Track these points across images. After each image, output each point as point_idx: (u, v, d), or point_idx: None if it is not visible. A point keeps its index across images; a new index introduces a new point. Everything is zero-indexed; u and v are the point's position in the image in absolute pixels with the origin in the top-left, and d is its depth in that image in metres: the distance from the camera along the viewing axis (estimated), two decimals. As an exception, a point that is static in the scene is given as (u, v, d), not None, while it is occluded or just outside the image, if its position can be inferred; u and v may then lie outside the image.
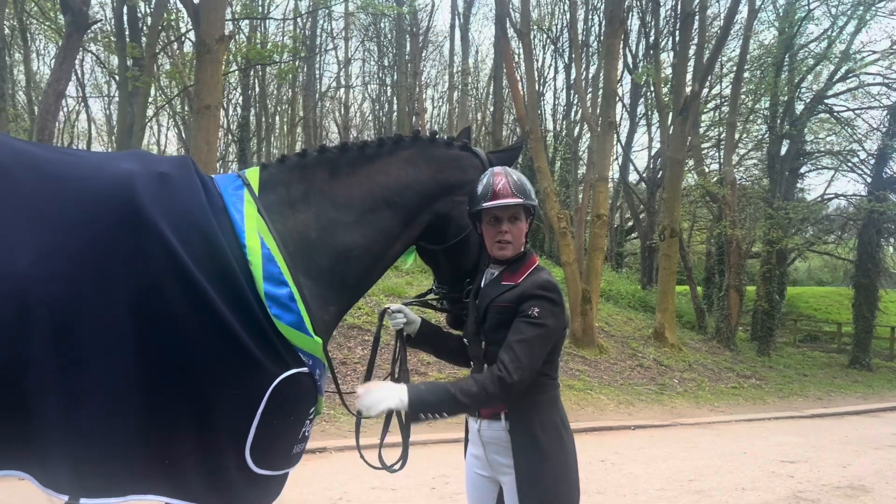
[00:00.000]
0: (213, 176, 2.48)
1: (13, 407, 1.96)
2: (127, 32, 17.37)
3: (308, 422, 2.41)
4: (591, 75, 29.55)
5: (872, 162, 22.22)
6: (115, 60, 21.38)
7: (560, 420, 2.51)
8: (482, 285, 2.64)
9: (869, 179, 22.24)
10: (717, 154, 27.52)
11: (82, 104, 32.30)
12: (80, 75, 30.07)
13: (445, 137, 2.92)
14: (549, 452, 2.44)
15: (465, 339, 2.74)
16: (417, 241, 2.82)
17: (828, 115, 23.32)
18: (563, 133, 32.43)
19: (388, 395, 2.23)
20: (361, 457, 2.59)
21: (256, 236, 2.28)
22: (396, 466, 2.66)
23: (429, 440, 7.99)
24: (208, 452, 2.15)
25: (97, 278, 2.04)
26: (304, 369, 2.27)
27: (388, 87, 36.60)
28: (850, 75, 22.03)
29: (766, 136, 23.34)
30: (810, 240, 23.67)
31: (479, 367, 2.60)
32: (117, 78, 19.82)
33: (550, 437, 2.45)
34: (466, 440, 2.73)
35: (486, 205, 2.47)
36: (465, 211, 2.65)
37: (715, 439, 9.42)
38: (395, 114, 34.62)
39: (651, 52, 24.82)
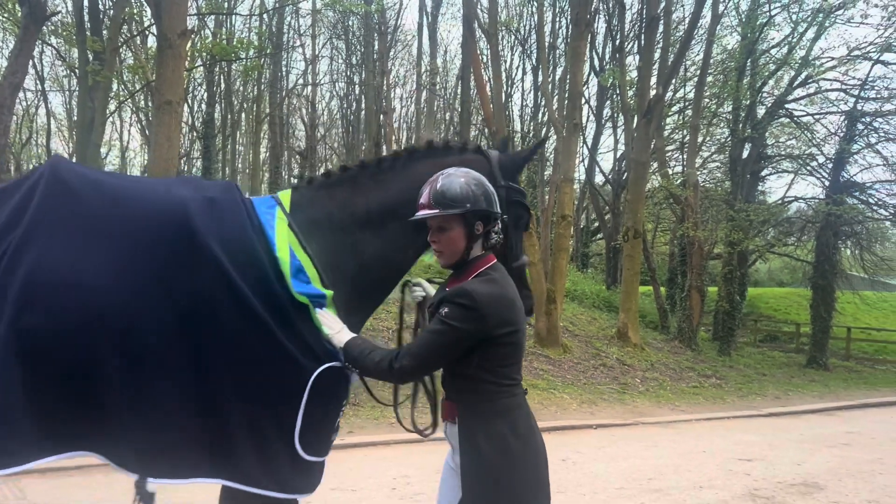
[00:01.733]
0: (251, 198, 2.78)
1: (87, 396, 2.32)
2: (87, 25, 17.01)
3: (341, 412, 2.67)
4: (558, 77, 29.78)
5: (830, 166, 22.71)
6: (75, 54, 20.94)
7: (510, 431, 2.44)
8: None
9: (827, 183, 22.72)
10: (680, 157, 27.93)
11: (41, 98, 31.58)
12: (39, 69, 29.41)
13: (460, 143, 3.05)
14: (490, 462, 2.40)
15: None
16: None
17: (788, 120, 23.79)
18: (531, 134, 32.59)
19: (339, 331, 2.58)
20: (399, 420, 2.92)
21: (287, 248, 2.59)
22: (428, 431, 2.86)
23: (390, 440, 7.97)
24: (261, 442, 2.42)
25: (157, 289, 2.38)
26: (336, 363, 2.54)
27: (356, 86, 36.44)
28: (810, 81, 22.51)
29: (729, 139, 23.74)
30: (771, 241, 24.09)
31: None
32: (77, 72, 19.42)
33: (494, 446, 2.41)
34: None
35: (416, 215, 2.55)
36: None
37: (675, 438, 9.54)
38: (363, 112, 34.45)
39: (617, 54, 25.07)
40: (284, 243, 2.60)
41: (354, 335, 2.60)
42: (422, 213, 2.51)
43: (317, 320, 2.57)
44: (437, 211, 2.46)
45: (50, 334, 2.28)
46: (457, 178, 2.51)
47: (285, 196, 2.80)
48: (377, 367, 2.44)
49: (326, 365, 2.50)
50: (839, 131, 22.57)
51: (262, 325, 2.44)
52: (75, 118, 25.07)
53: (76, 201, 2.46)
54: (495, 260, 2.59)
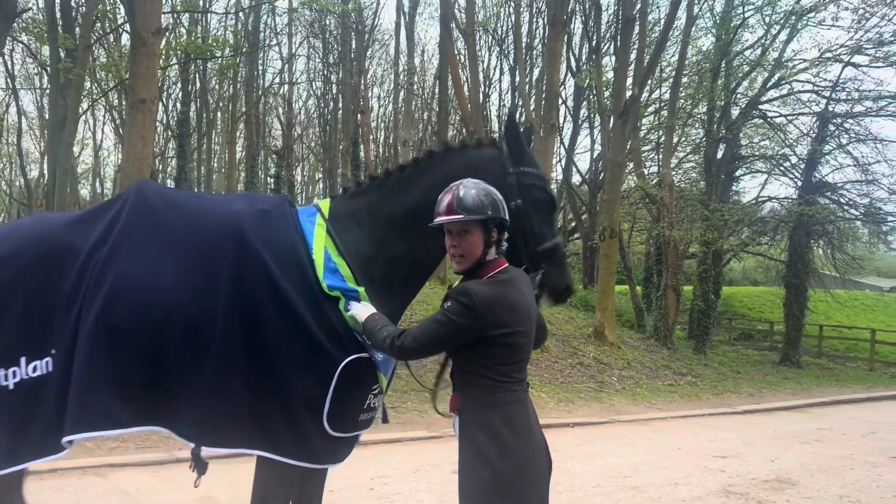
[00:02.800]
0: (297, 208, 3.16)
1: (159, 382, 2.78)
2: (59, 22, 16.75)
3: (372, 395, 2.94)
4: (535, 77, 29.90)
5: (803, 167, 23.06)
6: (46, 51, 20.60)
7: (503, 423, 2.58)
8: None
9: (799, 183, 23.08)
10: (656, 157, 28.13)
11: (12, 96, 31.02)
12: (9, 66, 28.90)
13: (476, 140, 3.22)
14: (482, 449, 2.56)
15: None
16: None
17: (761, 121, 24.11)
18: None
19: (360, 312, 2.82)
20: (435, 406, 3.06)
21: (322, 250, 2.92)
22: (454, 416, 2.85)
23: (367, 440, 7.93)
24: (294, 420, 2.76)
25: (214, 290, 2.79)
26: (364, 354, 2.82)
27: (333, 85, 36.28)
28: (783, 82, 22.83)
29: (703, 139, 23.97)
30: (745, 241, 24.37)
31: (445, 362, 2.89)
32: (49, 70, 19.11)
33: (486, 437, 2.57)
34: None
35: (436, 220, 2.70)
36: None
37: (651, 436, 9.62)
38: (341, 111, 34.32)
39: (593, 55, 25.23)
40: (321, 246, 2.94)
41: (374, 312, 2.81)
42: (446, 218, 2.65)
43: (351, 320, 2.85)
44: (463, 216, 2.62)
45: (129, 328, 2.76)
46: (474, 187, 2.69)
47: (325, 204, 3.15)
48: (383, 342, 2.66)
49: (354, 356, 2.80)
50: (811, 132, 22.94)
51: (300, 318, 2.78)
52: (47, 117, 24.67)
53: (155, 219, 2.98)
54: (507, 264, 2.75)
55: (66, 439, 2.74)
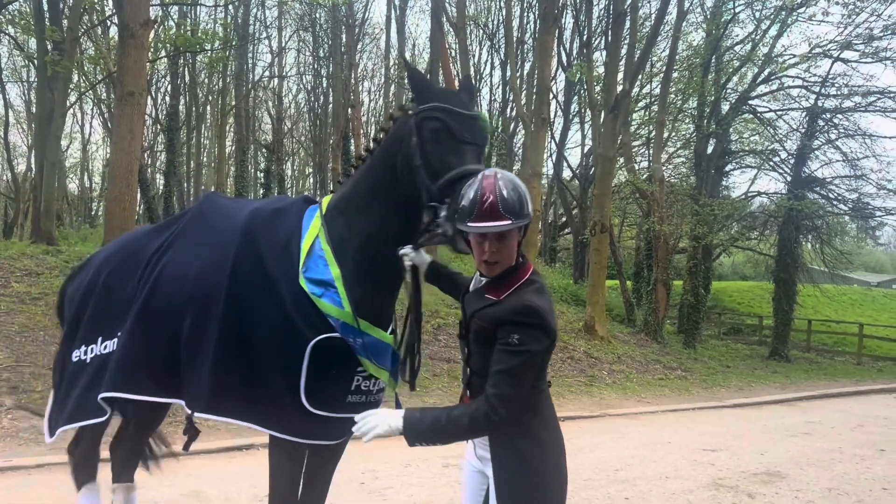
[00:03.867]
0: (312, 206, 3.34)
1: (176, 361, 3.13)
2: (46, 14, 16.58)
3: (361, 378, 3.02)
4: (526, 72, 29.86)
5: (792, 162, 23.15)
6: (33, 43, 20.39)
7: (540, 422, 2.46)
8: (470, 287, 2.62)
9: (789, 178, 23.15)
10: (646, 152, 28.20)
11: (-2, 88, 30.70)
12: (-5, 58, 28.66)
13: (398, 111, 3.13)
14: (524, 454, 2.40)
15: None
16: (417, 210, 2.89)
17: (751, 116, 24.12)
18: (499, 129, 32.67)
19: (380, 422, 2.37)
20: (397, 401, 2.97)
21: (312, 240, 3.09)
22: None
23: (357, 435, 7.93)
24: (274, 395, 2.91)
25: (219, 279, 3.06)
26: (335, 334, 2.91)
27: (324, 79, 36.14)
28: (773, 77, 22.86)
29: (694, 134, 24.00)
30: (734, 236, 24.44)
31: (465, 366, 2.60)
32: (36, 62, 18.93)
33: (525, 438, 2.41)
34: None
35: (471, 225, 2.35)
36: (401, 157, 2.85)
37: (641, 429, 9.65)
38: (331, 105, 34.18)
39: (584, 50, 25.19)
40: (312, 236, 3.11)
41: (405, 410, 2.38)
42: (489, 224, 2.32)
43: (323, 304, 2.95)
44: (511, 222, 2.31)
45: (162, 312, 3.20)
46: (510, 182, 2.38)
47: (327, 199, 3.31)
48: (470, 428, 2.31)
49: (324, 336, 2.90)
50: (801, 127, 23.00)
51: (281, 304, 2.97)
52: (34, 110, 24.46)
53: (203, 221, 3.44)
54: (532, 267, 2.51)
55: (100, 396, 3.28)
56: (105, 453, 4.33)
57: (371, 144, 3.21)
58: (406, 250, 2.94)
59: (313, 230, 3.14)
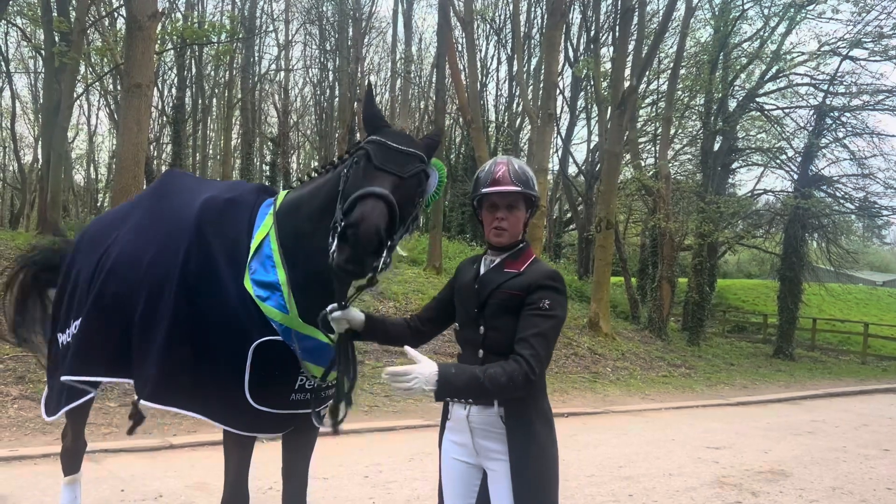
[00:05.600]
0: (269, 198, 3.29)
1: (128, 342, 3.16)
2: (54, 5, 16.60)
3: (304, 377, 3.00)
4: (532, 67, 29.82)
5: (799, 160, 23.09)
6: (41, 35, 20.43)
7: (548, 407, 2.57)
8: (481, 272, 2.65)
9: (795, 176, 23.09)
10: (653, 148, 28.10)
11: (6, 80, 30.79)
12: (3, 50, 28.69)
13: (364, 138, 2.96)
14: (541, 439, 2.48)
15: (456, 324, 2.76)
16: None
17: (758, 113, 24.07)
18: (505, 124, 32.64)
19: (417, 378, 2.23)
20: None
21: (262, 237, 3.07)
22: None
23: (362, 428, 7.95)
24: (222, 388, 2.94)
25: (170, 267, 3.06)
26: (277, 337, 2.91)
27: (330, 72, 36.11)
28: (780, 75, 22.79)
29: (701, 132, 23.93)
30: (740, 234, 24.38)
31: (473, 351, 2.60)
32: (43, 53, 18.96)
33: (542, 423, 2.50)
34: (443, 427, 2.71)
35: (484, 190, 2.58)
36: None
37: (645, 426, 9.64)
38: (337, 99, 34.15)
39: (591, 45, 25.16)
40: (263, 234, 3.08)
41: (442, 365, 2.31)
42: (501, 188, 2.55)
43: (266, 308, 2.93)
44: (519, 188, 2.54)
45: (118, 295, 3.22)
46: (521, 163, 2.64)
47: (282, 195, 3.27)
48: (508, 385, 2.30)
49: (267, 338, 2.91)
50: (808, 125, 22.93)
51: (228, 301, 2.97)
52: (41, 101, 24.50)
53: (160, 202, 3.46)
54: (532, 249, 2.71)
55: (62, 379, 3.41)
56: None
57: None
58: (337, 314, 2.64)
59: (264, 228, 3.11)
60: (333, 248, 2.48)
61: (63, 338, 3.61)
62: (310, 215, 2.95)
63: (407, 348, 2.49)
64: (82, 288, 3.49)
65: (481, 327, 2.56)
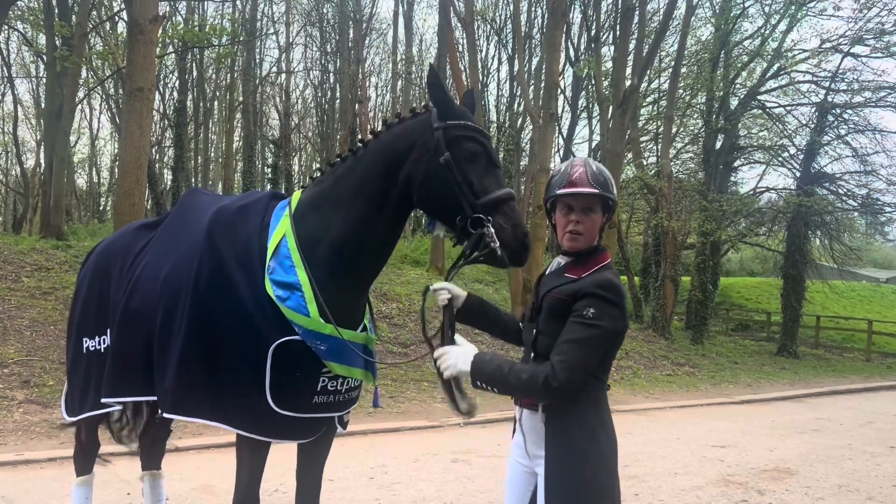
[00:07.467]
0: (281, 202, 3.27)
1: (150, 355, 3.20)
2: (55, 10, 16.64)
3: (326, 378, 3.00)
4: (533, 67, 29.79)
5: (801, 157, 23.04)
6: (42, 39, 20.46)
7: (599, 421, 2.43)
8: (547, 272, 2.61)
9: (798, 174, 23.06)
10: (654, 147, 28.09)
11: (8, 85, 30.87)
12: (5, 55, 28.76)
13: (412, 111, 3.07)
14: (579, 450, 2.37)
15: (520, 323, 2.74)
16: (406, 212, 3.02)
17: (760, 111, 24.03)
18: (507, 124, 32.61)
19: (458, 358, 2.43)
20: (455, 403, 2.65)
21: (279, 238, 3.05)
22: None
23: (367, 430, 7.96)
24: (241, 394, 2.93)
25: (184, 279, 3.11)
26: (296, 337, 2.91)
27: (331, 74, 36.12)
28: (782, 73, 22.74)
29: (702, 130, 23.90)
30: (742, 232, 24.31)
31: (527, 353, 2.56)
32: (45, 58, 19.00)
33: (584, 435, 2.38)
34: (514, 429, 2.69)
35: (559, 192, 2.47)
36: (424, 165, 2.77)
37: (649, 426, 9.64)
38: (338, 101, 34.17)
39: (592, 45, 25.11)
40: (280, 235, 3.07)
41: (480, 352, 2.43)
42: (577, 189, 2.42)
43: (286, 310, 2.92)
44: (597, 190, 2.41)
45: (141, 312, 3.28)
46: (600, 166, 2.52)
47: (296, 195, 3.25)
48: (528, 384, 2.28)
49: (285, 338, 2.90)
50: (810, 123, 22.90)
51: (244, 305, 2.97)
52: (43, 105, 24.55)
53: (182, 219, 3.50)
54: (609, 255, 2.55)
55: (103, 400, 3.44)
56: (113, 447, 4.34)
57: (368, 137, 3.09)
58: (440, 285, 2.78)
59: (281, 228, 3.09)
60: (477, 233, 2.67)
61: (90, 343, 3.65)
62: (337, 202, 3.02)
63: (458, 336, 2.60)
64: (106, 303, 3.57)
65: (534, 329, 2.53)
